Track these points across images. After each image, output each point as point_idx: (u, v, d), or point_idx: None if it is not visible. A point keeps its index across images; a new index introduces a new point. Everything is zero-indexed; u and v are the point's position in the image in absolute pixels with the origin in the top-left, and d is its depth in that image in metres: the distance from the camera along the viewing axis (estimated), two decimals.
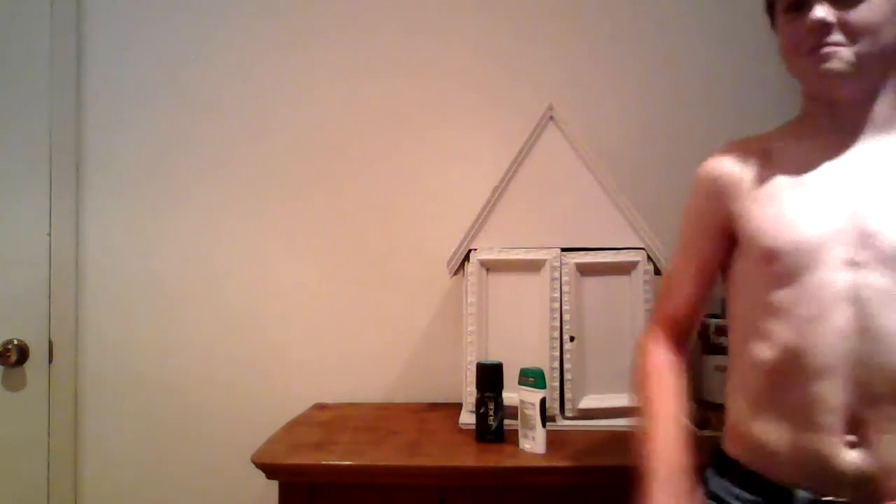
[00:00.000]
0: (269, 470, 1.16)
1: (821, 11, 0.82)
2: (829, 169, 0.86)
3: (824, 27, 0.82)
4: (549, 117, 1.38)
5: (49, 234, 1.64)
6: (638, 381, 0.99)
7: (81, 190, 1.66)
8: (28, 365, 1.63)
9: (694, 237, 1.00)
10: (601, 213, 1.36)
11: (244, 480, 1.58)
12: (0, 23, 1.65)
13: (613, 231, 1.36)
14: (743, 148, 0.96)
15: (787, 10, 0.87)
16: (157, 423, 1.64)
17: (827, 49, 0.83)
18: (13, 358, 1.60)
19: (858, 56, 0.82)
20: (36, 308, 1.63)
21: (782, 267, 0.85)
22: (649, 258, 1.35)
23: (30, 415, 1.62)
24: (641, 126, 1.62)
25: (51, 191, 1.64)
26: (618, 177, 1.38)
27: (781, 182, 0.89)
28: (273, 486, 1.19)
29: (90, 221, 1.67)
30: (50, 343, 1.63)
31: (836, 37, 0.82)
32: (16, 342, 1.61)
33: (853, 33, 0.82)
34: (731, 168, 0.94)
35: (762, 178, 0.91)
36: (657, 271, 1.37)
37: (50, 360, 1.63)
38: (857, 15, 0.81)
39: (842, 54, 0.82)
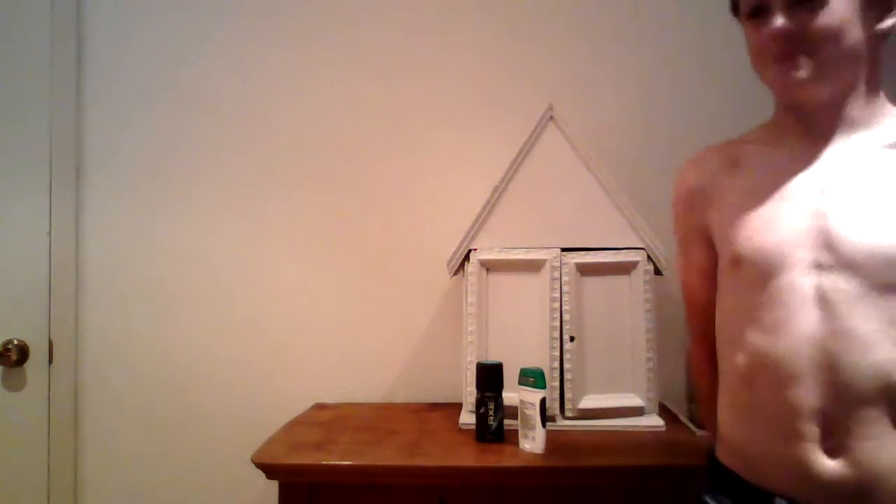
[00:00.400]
0: (269, 470, 1.16)
1: (780, 20, 0.82)
2: (797, 172, 0.86)
3: (786, 36, 0.82)
4: (549, 117, 1.38)
5: (49, 234, 1.64)
6: (701, 395, 1.08)
7: (81, 190, 1.66)
8: (28, 365, 1.63)
9: (686, 247, 1.02)
10: (601, 213, 1.36)
11: (244, 480, 1.58)
12: (0, 23, 1.65)
13: (613, 231, 1.36)
14: (713, 156, 0.96)
15: (749, 17, 0.87)
16: (157, 423, 1.64)
17: (790, 58, 0.82)
18: (13, 358, 1.60)
19: (822, 62, 0.81)
20: (36, 308, 1.63)
21: (750, 272, 0.85)
22: (649, 258, 1.35)
23: (30, 415, 1.62)
24: (641, 126, 1.62)
25: (51, 191, 1.64)
26: (618, 177, 1.38)
27: (749, 188, 0.89)
28: (273, 486, 1.19)
29: (90, 221, 1.67)
30: (50, 343, 1.63)
31: (799, 44, 0.82)
32: (16, 342, 1.61)
33: (815, 40, 0.81)
34: (701, 180, 0.96)
35: (731, 186, 0.91)
36: (657, 271, 1.37)
37: (50, 360, 1.63)
38: (818, 21, 0.80)
39: (805, 62, 0.82)
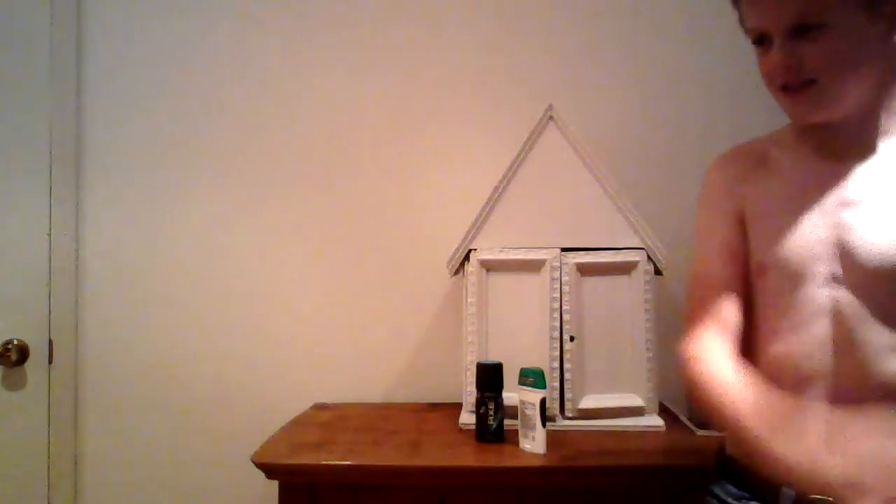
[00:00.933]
0: (269, 470, 1.16)
1: (780, 54, 0.81)
2: (820, 184, 0.86)
3: (786, 68, 0.82)
4: (549, 117, 1.38)
5: (49, 235, 1.64)
6: (702, 394, 0.85)
7: (81, 190, 1.66)
8: (28, 365, 1.62)
9: (716, 227, 0.94)
10: (601, 213, 1.36)
11: (244, 480, 1.58)
12: (0, 23, 1.65)
13: (613, 231, 1.36)
14: (748, 153, 0.96)
15: (754, 42, 0.87)
16: (156, 423, 1.64)
17: (794, 87, 0.82)
18: (13, 358, 1.60)
19: (829, 88, 0.81)
20: (36, 308, 1.63)
21: (771, 280, 0.87)
22: (649, 258, 1.35)
23: (30, 415, 1.62)
24: (641, 126, 1.62)
25: (51, 191, 1.64)
26: (618, 177, 1.38)
27: (775, 196, 0.89)
28: (273, 486, 1.19)
29: (90, 222, 1.66)
30: (50, 343, 1.63)
31: (802, 73, 0.81)
32: (16, 342, 1.61)
33: (818, 67, 0.80)
34: (744, 170, 0.94)
35: (761, 189, 0.91)
36: (657, 271, 1.37)
37: (50, 360, 1.63)
38: (819, 49, 0.79)
39: (810, 92, 0.82)
